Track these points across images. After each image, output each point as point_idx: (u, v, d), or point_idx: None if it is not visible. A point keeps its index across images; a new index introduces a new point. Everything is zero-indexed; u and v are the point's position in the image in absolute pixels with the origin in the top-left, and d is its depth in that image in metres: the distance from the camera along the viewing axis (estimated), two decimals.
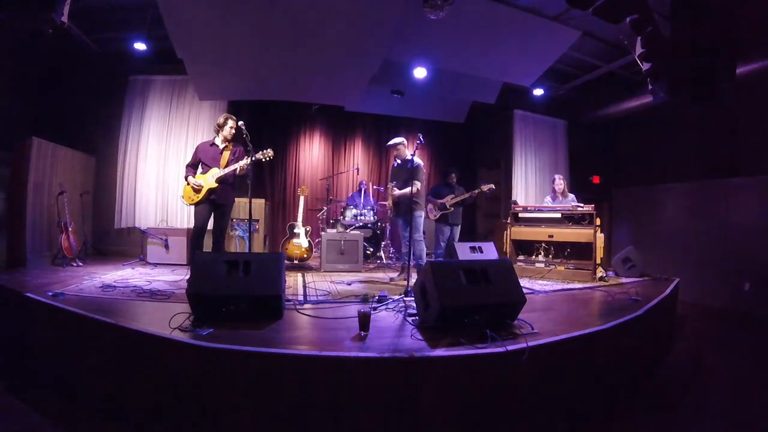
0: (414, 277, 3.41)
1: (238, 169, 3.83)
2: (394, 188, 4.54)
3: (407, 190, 4.21)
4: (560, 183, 5.39)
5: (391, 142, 4.58)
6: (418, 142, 3.79)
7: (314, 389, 1.86)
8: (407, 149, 4.62)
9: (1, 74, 5.04)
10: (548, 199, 5.54)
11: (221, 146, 3.99)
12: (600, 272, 4.65)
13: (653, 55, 3.06)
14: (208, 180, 3.87)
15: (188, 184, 3.87)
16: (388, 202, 4.79)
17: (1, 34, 4.63)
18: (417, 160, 4.34)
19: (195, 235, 3.93)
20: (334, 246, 5.14)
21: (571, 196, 5.35)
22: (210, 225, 4.01)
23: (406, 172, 4.27)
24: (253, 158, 3.65)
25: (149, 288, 3.46)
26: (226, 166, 3.91)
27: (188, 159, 4.10)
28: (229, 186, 4.00)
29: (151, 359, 2.11)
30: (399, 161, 4.60)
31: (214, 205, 3.93)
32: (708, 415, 2.43)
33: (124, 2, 4.96)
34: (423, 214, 4.58)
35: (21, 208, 4.57)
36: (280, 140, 7.45)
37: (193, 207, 3.97)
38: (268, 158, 3.90)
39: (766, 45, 4.65)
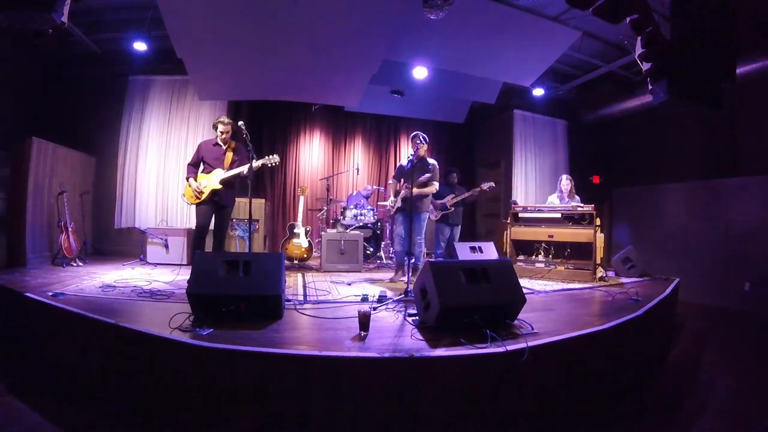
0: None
1: (244, 171, 3.82)
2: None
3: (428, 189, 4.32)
4: (567, 183, 5.26)
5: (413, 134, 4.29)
6: (418, 141, 3.80)
7: (314, 389, 1.86)
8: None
9: (1, 74, 5.04)
10: (554, 197, 5.38)
11: (224, 146, 3.99)
12: (600, 272, 4.65)
13: (653, 55, 3.05)
14: (211, 180, 3.87)
15: (190, 186, 3.88)
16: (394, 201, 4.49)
17: (1, 34, 4.63)
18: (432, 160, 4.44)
19: (197, 236, 3.93)
20: (334, 246, 5.14)
21: (578, 198, 5.28)
22: (211, 225, 4.02)
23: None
24: (258, 164, 3.66)
25: (149, 288, 3.46)
26: (230, 166, 3.91)
27: (188, 159, 4.09)
28: (231, 187, 4.00)
29: (151, 359, 2.11)
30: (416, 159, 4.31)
31: (216, 205, 3.93)
32: (708, 415, 2.43)
33: (124, 2, 4.96)
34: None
35: (21, 208, 4.57)
36: (280, 140, 7.45)
37: (193, 207, 3.97)
38: (273, 164, 3.90)
39: (766, 45, 4.65)
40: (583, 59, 6.19)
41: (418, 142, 4.06)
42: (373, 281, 4.42)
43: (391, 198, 4.58)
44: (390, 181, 4.70)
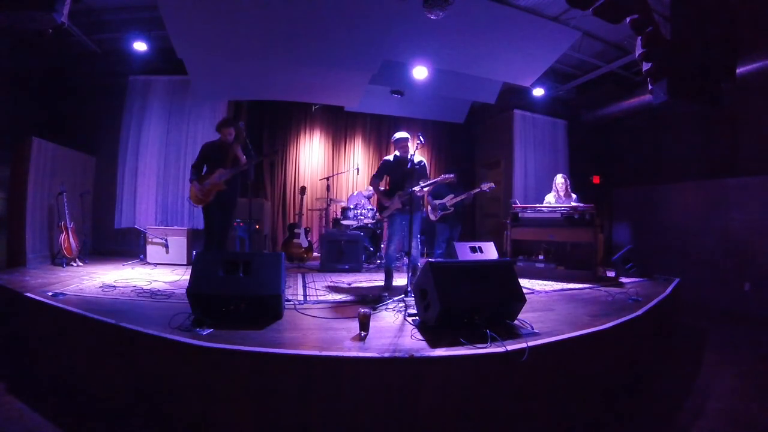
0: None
1: (246, 167, 3.83)
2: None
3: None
4: (563, 182, 5.25)
5: (402, 136, 4.06)
6: (418, 142, 3.76)
7: (314, 389, 1.86)
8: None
9: (1, 74, 5.04)
10: (551, 197, 5.36)
11: (226, 147, 4.00)
12: (600, 272, 4.65)
13: (653, 55, 3.05)
14: (214, 181, 3.88)
15: (194, 188, 3.89)
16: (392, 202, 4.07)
17: (1, 34, 4.63)
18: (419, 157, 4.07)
19: (207, 238, 3.93)
20: (334, 246, 5.13)
21: (575, 197, 5.28)
22: None
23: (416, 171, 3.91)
24: (258, 160, 3.66)
25: (149, 288, 3.46)
26: (232, 166, 3.93)
27: (188, 159, 4.11)
28: (234, 187, 4.02)
29: (151, 359, 2.11)
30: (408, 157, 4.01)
31: (220, 206, 3.95)
32: (708, 415, 2.43)
33: (124, 2, 4.96)
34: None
35: (21, 208, 4.57)
36: (280, 140, 7.44)
37: (197, 208, 3.98)
38: (273, 158, 3.91)
39: (766, 45, 4.64)
40: (583, 59, 6.19)
41: (419, 142, 3.95)
42: (373, 281, 4.41)
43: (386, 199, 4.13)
44: (375, 179, 4.21)
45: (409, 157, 3.99)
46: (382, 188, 4.21)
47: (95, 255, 5.71)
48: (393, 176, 4.15)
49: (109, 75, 6.04)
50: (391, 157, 4.21)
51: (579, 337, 2.32)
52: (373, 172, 4.27)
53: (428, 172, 4.24)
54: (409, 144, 4.08)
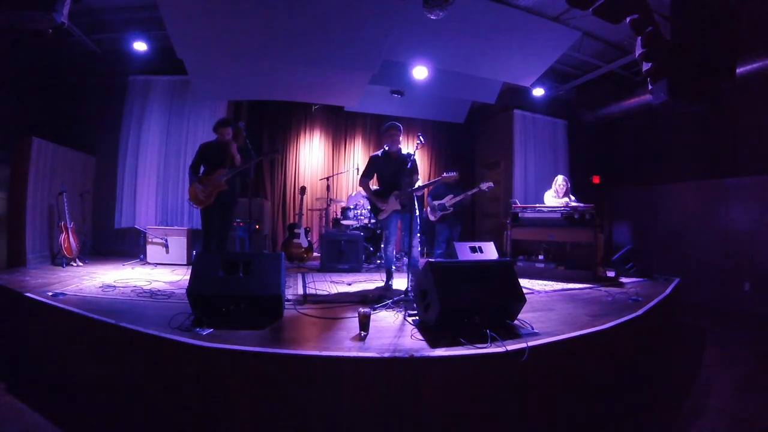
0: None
1: (245, 166, 3.84)
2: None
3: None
4: (563, 184, 5.22)
5: (392, 124, 3.87)
6: (418, 142, 3.74)
7: (314, 389, 1.86)
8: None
9: (1, 74, 5.04)
10: (551, 193, 5.32)
11: (225, 147, 3.99)
12: (600, 272, 4.65)
13: (653, 55, 3.05)
14: (215, 181, 3.87)
15: (194, 189, 3.89)
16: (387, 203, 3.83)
17: (1, 34, 4.63)
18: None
19: (205, 238, 3.93)
20: (334, 246, 5.13)
21: (572, 198, 5.26)
22: None
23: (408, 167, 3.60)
24: (257, 160, 3.66)
25: (149, 288, 3.46)
26: (231, 166, 3.93)
27: (188, 159, 4.11)
28: (234, 187, 4.02)
29: (151, 359, 2.11)
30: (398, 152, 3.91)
31: (221, 206, 3.95)
32: (708, 415, 2.43)
33: (124, 2, 4.96)
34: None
35: (21, 208, 4.58)
36: (280, 140, 7.44)
37: (195, 207, 3.97)
38: (273, 156, 3.92)
39: (766, 45, 4.64)
40: (583, 59, 6.19)
41: (419, 143, 3.89)
42: (373, 281, 4.41)
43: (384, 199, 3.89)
44: (364, 178, 3.97)
45: (398, 150, 3.83)
46: (374, 188, 3.97)
47: (95, 255, 5.71)
48: (383, 173, 3.94)
49: (109, 75, 6.05)
50: (379, 153, 4.00)
51: (579, 337, 2.32)
52: (361, 173, 3.96)
53: (421, 169, 4.14)
54: (400, 136, 3.91)
